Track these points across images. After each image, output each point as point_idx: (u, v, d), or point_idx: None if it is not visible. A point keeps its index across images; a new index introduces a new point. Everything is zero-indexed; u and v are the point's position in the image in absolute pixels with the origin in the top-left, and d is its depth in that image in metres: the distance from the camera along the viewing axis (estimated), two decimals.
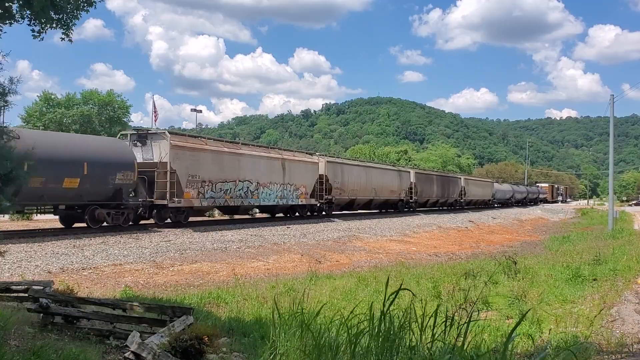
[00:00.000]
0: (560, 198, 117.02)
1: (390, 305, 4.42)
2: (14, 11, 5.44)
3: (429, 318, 4.52)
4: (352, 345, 4.26)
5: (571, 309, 9.55)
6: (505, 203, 70.30)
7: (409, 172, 43.19)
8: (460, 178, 54.32)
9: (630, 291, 10.89)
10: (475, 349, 4.66)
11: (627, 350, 6.52)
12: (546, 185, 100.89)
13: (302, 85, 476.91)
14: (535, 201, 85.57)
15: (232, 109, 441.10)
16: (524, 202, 78.93)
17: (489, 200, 62.05)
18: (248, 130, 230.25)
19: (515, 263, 13.84)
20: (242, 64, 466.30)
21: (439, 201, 48.83)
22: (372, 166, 39.06)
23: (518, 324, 4.39)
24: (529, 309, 6.37)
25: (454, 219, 39.16)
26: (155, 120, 47.01)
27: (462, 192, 52.80)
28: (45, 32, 5.99)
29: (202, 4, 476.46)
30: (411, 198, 41.96)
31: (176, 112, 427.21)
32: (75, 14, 6.14)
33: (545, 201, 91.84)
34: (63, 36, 6.22)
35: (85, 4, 6.18)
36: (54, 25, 6.01)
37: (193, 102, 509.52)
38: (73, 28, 6.23)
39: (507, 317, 9.35)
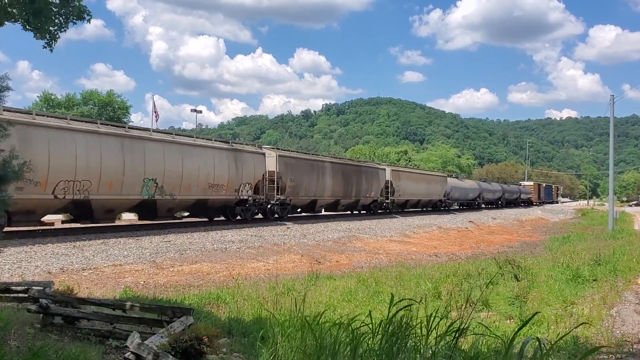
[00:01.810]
0: (557, 198, 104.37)
1: (393, 316, 4.42)
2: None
3: (431, 319, 4.51)
4: (354, 349, 4.26)
5: (571, 309, 9.55)
6: (469, 205, 56.44)
7: (264, 154, 25.59)
8: (384, 169, 38.45)
9: (631, 292, 10.89)
10: (475, 350, 4.66)
11: (628, 350, 6.52)
12: (530, 184, 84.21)
13: (302, 85, 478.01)
14: (514, 202, 71.53)
15: (232, 109, 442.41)
16: (497, 204, 64.53)
17: (440, 201, 47.39)
18: (248, 130, 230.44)
19: (518, 267, 13.71)
20: (242, 64, 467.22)
21: (341, 202, 32.78)
22: (152, 138, 19.89)
23: (521, 327, 4.39)
24: (535, 313, 6.31)
25: (453, 219, 39.12)
26: (155, 121, 47.05)
27: (388, 190, 37.73)
28: (53, 46, 6.06)
29: (202, 4, 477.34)
30: (272, 198, 25.63)
31: (176, 112, 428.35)
32: (63, 26, 6.13)
33: (529, 203, 77.06)
34: (45, 46, 6.21)
35: (75, 18, 6.17)
36: (39, 35, 6.00)
37: (193, 102, 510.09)
38: (57, 39, 6.22)
39: (508, 317, 9.36)
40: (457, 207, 54.81)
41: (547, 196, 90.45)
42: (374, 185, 36.12)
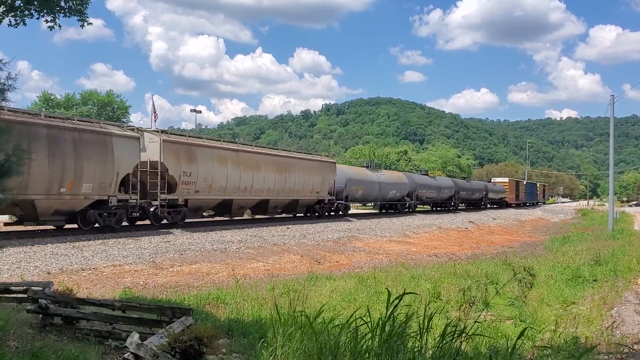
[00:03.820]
0: (544, 199, 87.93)
1: (393, 309, 4.41)
2: (17, 4, 5.48)
3: (431, 320, 4.51)
4: (354, 349, 4.25)
5: (571, 309, 9.54)
6: (393, 207, 40.10)
7: None
8: (135, 138, 18.72)
9: (631, 292, 10.89)
10: (475, 350, 4.65)
11: (628, 350, 6.51)
12: (505, 180, 67.00)
13: (302, 85, 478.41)
14: (477, 204, 55.85)
15: (232, 109, 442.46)
16: (447, 206, 48.71)
17: (322, 202, 30.04)
18: (247, 130, 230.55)
19: (533, 275, 13.38)
20: (242, 64, 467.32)
21: None
22: None
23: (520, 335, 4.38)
24: (523, 330, 6.30)
25: (453, 219, 39.11)
26: (154, 121, 47.03)
27: (159, 181, 19.33)
28: (57, 23, 6.08)
29: (202, 4, 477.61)
30: None
31: (176, 112, 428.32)
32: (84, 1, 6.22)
33: (502, 204, 62.58)
34: (80, 22, 6.34)
35: None
36: (67, 14, 6.09)
37: (193, 102, 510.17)
38: (87, 12, 6.33)
39: (508, 318, 9.35)
40: (375, 211, 40.72)
41: (529, 196, 74.82)
42: (86, 171, 16.85)
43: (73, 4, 6.14)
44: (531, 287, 12.08)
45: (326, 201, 30.72)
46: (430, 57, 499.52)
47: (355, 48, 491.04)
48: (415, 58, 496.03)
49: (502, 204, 62.60)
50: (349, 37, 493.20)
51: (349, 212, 34.82)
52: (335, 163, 32.68)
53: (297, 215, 29.73)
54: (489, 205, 58.31)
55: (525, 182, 76.86)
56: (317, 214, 30.24)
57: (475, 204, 55.85)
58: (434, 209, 48.30)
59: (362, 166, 39.42)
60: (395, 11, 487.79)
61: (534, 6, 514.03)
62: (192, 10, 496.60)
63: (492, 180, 66.44)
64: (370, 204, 42.31)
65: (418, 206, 44.44)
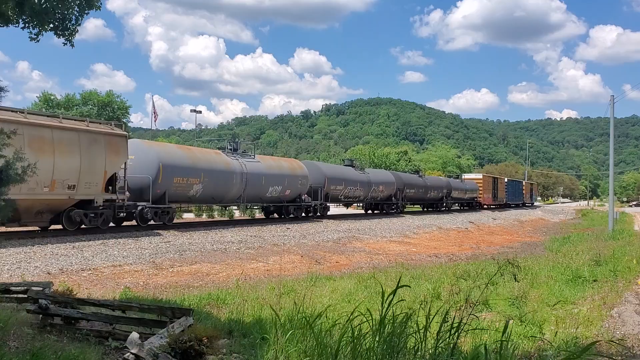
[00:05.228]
0: (533, 200, 76.87)
1: (389, 306, 4.41)
2: (9, 13, 5.45)
3: (430, 319, 4.51)
4: (354, 348, 4.25)
5: (572, 309, 9.54)
6: (283, 210, 27.52)
7: None
8: None
9: (631, 292, 10.88)
10: (475, 350, 4.65)
11: (628, 351, 6.51)
12: (478, 177, 56.49)
13: (302, 85, 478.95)
14: (436, 206, 45.32)
15: (232, 110, 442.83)
16: (386, 209, 37.58)
17: (87, 204, 16.84)
18: (248, 130, 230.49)
19: (518, 267, 13.49)
20: (242, 65, 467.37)
21: None
22: None
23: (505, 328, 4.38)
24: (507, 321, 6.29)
25: (453, 219, 39.07)
26: (154, 121, 47.08)
27: None
28: (42, 34, 6.01)
29: (203, 5, 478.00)
30: None
31: (176, 112, 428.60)
32: (77, 20, 6.13)
33: (473, 205, 52.26)
34: (65, 42, 6.23)
35: (86, 7, 6.16)
36: (58, 33, 6.01)
37: (193, 102, 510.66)
38: (75, 34, 6.22)
39: (508, 318, 9.34)
40: (243, 218, 28.62)
41: (512, 195, 63.07)
42: None
43: (66, 23, 6.01)
44: (515, 278, 12.04)
45: (99, 203, 17.43)
46: (430, 58, 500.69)
47: (356, 48, 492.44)
48: (416, 58, 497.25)
49: (473, 206, 52.02)
50: (350, 38, 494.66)
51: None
52: (125, 137, 18.50)
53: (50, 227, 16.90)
54: (455, 207, 48.28)
55: (506, 180, 64.67)
56: (83, 225, 17.44)
57: (433, 206, 45.09)
58: (367, 212, 37.97)
59: (218, 148, 26.80)
60: (396, 12, 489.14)
61: (535, 6, 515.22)
62: (193, 10, 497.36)
63: (460, 177, 55.16)
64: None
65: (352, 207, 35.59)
